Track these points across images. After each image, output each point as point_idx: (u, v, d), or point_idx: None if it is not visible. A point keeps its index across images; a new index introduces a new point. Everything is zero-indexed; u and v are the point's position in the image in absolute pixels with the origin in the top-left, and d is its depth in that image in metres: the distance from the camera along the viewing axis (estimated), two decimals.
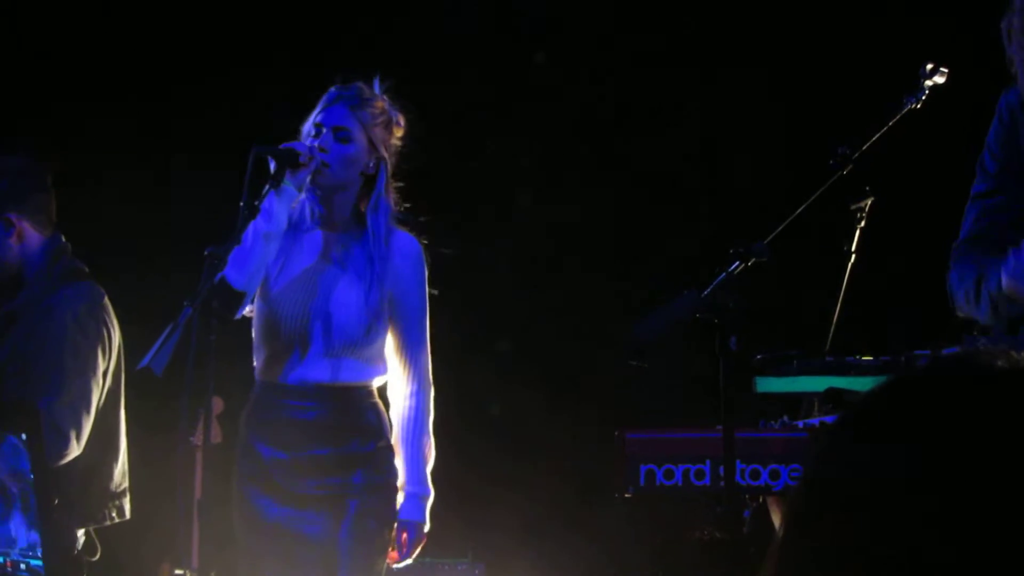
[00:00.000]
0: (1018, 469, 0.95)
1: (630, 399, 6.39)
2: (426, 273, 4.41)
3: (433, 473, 4.39)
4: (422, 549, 4.39)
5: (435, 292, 4.43)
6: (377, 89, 4.43)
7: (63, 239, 4.69)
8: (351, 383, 4.31)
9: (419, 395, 4.35)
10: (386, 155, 4.38)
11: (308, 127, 4.36)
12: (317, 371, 4.30)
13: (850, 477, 1.01)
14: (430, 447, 4.37)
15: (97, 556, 4.67)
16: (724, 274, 3.67)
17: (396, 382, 4.38)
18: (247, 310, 4.33)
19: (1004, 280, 3.14)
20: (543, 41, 7.06)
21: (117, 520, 4.66)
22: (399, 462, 4.35)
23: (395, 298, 4.35)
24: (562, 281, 7.02)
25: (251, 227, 4.16)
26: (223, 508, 4.38)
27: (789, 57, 6.65)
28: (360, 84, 4.40)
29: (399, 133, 4.44)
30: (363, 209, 4.38)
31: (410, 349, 4.37)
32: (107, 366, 4.61)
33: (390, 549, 4.32)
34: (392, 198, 4.40)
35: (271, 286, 4.34)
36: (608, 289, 6.83)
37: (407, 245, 4.39)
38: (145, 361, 3.86)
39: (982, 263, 3.25)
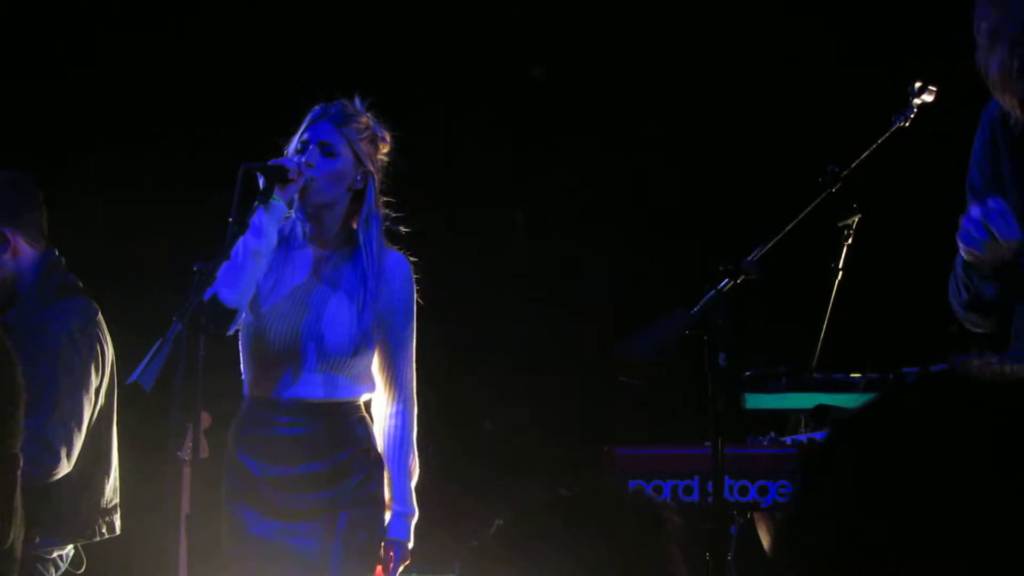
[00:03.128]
0: (1010, 478, 0.96)
1: (619, 415, 6.39)
2: (415, 292, 4.43)
3: (418, 487, 4.40)
4: (408, 564, 4.40)
5: (421, 301, 4.44)
6: (360, 106, 4.45)
7: (56, 253, 4.68)
8: (341, 399, 4.33)
9: (404, 414, 4.38)
10: (373, 170, 4.40)
11: (294, 145, 4.37)
12: (308, 388, 4.31)
13: (842, 490, 1.01)
14: (415, 465, 4.39)
15: (82, 569, 4.67)
16: (713, 291, 3.67)
17: (381, 399, 4.40)
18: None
19: (960, 249, 3.18)
20: (538, 47, 7.08)
21: (107, 536, 4.65)
22: (386, 477, 4.36)
23: (384, 317, 4.36)
24: (550, 295, 7.01)
25: (241, 244, 4.17)
26: (211, 523, 4.38)
27: (779, 74, 6.67)
28: (344, 101, 4.42)
29: (385, 149, 4.46)
30: (354, 226, 4.40)
31: (397, 368, 4.39)
32: (100, 383, 4.60)
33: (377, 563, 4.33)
34: (382, 213, 4.42)
35: (261, 303, 4.35)
36: (598, 304, 6.83)
37: (398, 265, 4.41)
38: (134, 376, 3.86)
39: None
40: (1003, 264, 3.18)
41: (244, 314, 4.31)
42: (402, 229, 4.47)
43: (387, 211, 4.45)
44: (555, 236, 7.02)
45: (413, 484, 4.38)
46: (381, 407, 4.40)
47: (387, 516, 4.34)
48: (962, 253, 3.20)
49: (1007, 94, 3.22)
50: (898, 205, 5.96)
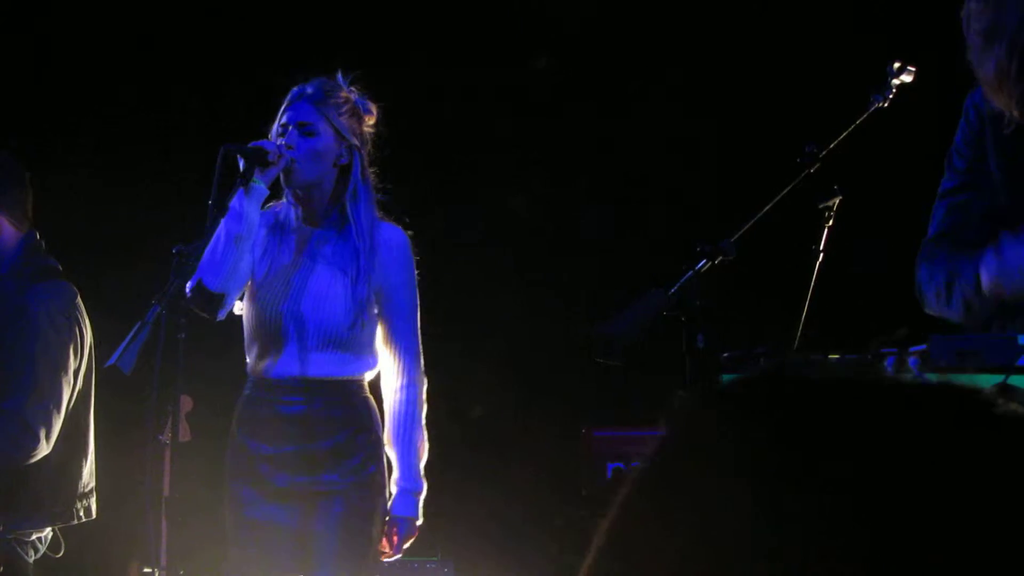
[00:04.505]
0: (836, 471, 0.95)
1: (597, 397, 6.39)
2: (414, 263, 4.41)
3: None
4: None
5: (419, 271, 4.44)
6: (342, 81, 4.43)
7: (38, 236, 4.67)
8: (339, 377, 4.30)
9: (411, 388, 4.34)
10: (357, 144, 4.38)
11: (275, 129, 4.36)
12: (302, 365, 4.29)
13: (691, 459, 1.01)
14: (423, 442, 4.35)
15: (61, 553, 4.66)
16: (691, 272, 3.66)
17: (387, 376, 4.36)
18: (237, 308, 4.34)
19: (984, 278, 3.11)
20: (527, 23, 7.07)
21: (84, 519, 4.65)
22: (391, 457, 4.34)
23: (384, 292, 4.34)
24: (530, 279, 7.02)
25: (222, 229, 4.16)
26: (191, 506, 4.37)
27: (758, 54, 6.67)
28: (322, 78, 4.40)
29: (370, 121, 4.45)
30: (344, 201, 4.38)
31: (401, 342, 4.35)
32: (78, 365, 4.59)
33: (380, 544, 4.30)
34: (371, 186, 4.40)
35: (257, 286, 4.35)
36: (576, 287, 6.84)
37: (393, 237, 4.38)
38: (113, 359, 3.85)
39: (953, 262, 3.23)
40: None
41: (233, 299, 4.30)
42: (386, 188, 4.46)
43: (378, 183, 4.43)
44: (529, 215, 7.02)
45: (422, 463, 4.34)
46: (388, 383, 4.36)
47: (389, 496, 4.31)
48: (984, 284, 3.14)
49: (1003, 95, 3.14)
50: (878, 186, 5.97)
